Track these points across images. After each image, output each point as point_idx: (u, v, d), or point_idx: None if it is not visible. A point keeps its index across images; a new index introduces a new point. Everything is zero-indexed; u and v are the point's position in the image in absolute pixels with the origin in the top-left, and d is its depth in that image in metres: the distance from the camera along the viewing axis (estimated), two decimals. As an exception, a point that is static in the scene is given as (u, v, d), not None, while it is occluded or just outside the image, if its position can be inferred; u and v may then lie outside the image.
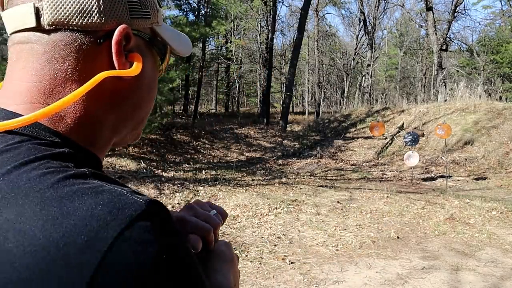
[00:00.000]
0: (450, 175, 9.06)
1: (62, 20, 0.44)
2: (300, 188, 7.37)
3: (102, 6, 0.45)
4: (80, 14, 0.44)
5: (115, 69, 0.46)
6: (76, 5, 0.44)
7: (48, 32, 0.44)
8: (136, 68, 0.47)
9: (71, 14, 0.44)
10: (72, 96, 0.43)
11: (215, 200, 6.17)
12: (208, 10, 17.27)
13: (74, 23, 0.44)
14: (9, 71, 0.47)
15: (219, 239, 0.65)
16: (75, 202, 0.35)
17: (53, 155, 0.40)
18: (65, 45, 0.44)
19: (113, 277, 0.33)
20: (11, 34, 0.46)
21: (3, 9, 0.46)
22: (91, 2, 0.44)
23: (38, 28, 0.44)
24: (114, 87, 0.48)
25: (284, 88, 20.65)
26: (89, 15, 0.44)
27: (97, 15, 0.45)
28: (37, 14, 0.43)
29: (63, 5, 0.43)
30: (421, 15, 25.69)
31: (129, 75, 0.46)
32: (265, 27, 21.95)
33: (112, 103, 0.48)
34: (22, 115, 0.42)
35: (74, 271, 0.32)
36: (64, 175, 0.38)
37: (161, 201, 5.03)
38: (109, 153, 8.66)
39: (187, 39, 0.60)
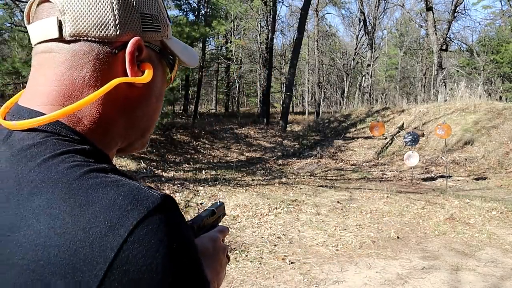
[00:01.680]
0: (450, 175, 9.06)
1: (82, 32, 0.49)
2: (300, 188, 7.37)
3: (118, 20, 0.50)
4: (98, 27, 0.49)
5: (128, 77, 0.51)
6: (95, 18, 0.49)
7: (68, 42, 0.49)
8: (147, 76, 0.52)
9: (90, 26, 0.49)
10: (89, 98, 0.48)
11: (215, 200, 6.16)
12: (208, 10, 17.27)
13: (93, 34, 0.49)
14: (32, 77, 0.52)
15: (205, 234, 0.69)
16: (99, 192, 0.40)
17: (77, 150, 0.45)
18: (83, 54, 0.49)
19: (132, 259, 0.37)
20: (35, 44, 0.51)
21: (29, 23, 0.52)
22: (108, 16, 0.49)
23: (60, 39, 0.49)
24: (127, 94, 0.52)
25: (284, 88, 20.66)
26: (106, 28, 0.49)
27: (113, 28, 0.50)
28: (60, 26, 0.48)
29: (83, 18, 0.49)
30: (421, 15, 25.70)
31: (140, 82, 0.51)
32: (265, 27, 21.95)
33: (125, 109, 0.53)
34: (44, 114, 0.47)
35: (98, 251, 0.37)
36: (89, 169, 0.42)
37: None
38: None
39: (194, 52, 0.65)
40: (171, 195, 6.26)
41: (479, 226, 5.28)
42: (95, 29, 0.49)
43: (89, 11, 0.48)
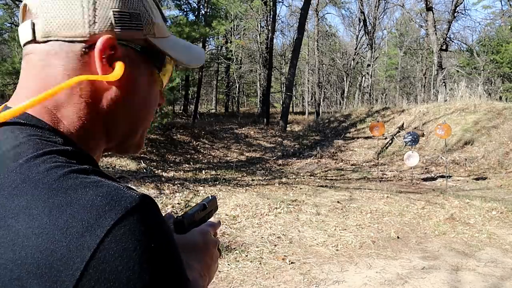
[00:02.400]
0: (450, 175, 9.06)
1: (51, 32, 0.50)
2: (300, 188, 7.37)
3: (87, 19, 0.50)
4: (67, 27, 0.50)
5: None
6: (64, 19, 0.50)
7: (41, 43, 0.51)
8: (115, 74, 0.51)
9: (59, 27, 0.50)
10: (50, 92, 0.48)
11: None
12: (208, 10, 17.27)
13: (62, 34, 0.50)
14: (20, 78, 0.55)
15: (196, 228, 0.70)
16: (78, 193, 0.40)
17: (59, 151, 0.45)
18: (55, 53, 0.51)
19: (109, 259, 0.38)
20: (23, 46, 0.54)
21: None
22: (77, 16, 0.50)
23: (34, 40, 0.51)
24: (104, 94, 0.53)
25: (284, 88, 20.66)
26: (75, 27, 0.50)
27: (82, 27, 0.50)
28: (33, 28, 0.51)
29: (53, 19, 0.50)
30: (421, 15, 25.70)
31: (106, 80, 0.51)
32: (265, 27, 21.98)
33: (103, 109, 0.53)
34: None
35: (75, 251, 0.37)
36: (69, 170, 0.42)
37: (161, 201, 5.00)
38: (110, 153, 8.66)
39: (198, 50, 0.63)
40: (171, 195, 6.29)
41: (479, 226, 5.28)
42: (64, 29, 0.50)
43: (59, 12, 0.50)
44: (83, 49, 0.50)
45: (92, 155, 0.52)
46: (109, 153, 0.61)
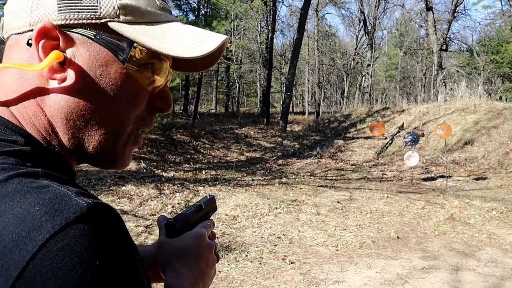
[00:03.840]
0: (450, 175, 9.06)
1: (9, 26, 0.48)
2: (300, 188, 7.37)
3: (30, 6, 0.45)
4: (16, 17, 0.46)
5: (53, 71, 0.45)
6: (14, 9, 0.47)
7: (6, 40, 0.49)
8: (41, 65, 0.44)
9: (12, 18, 0.47)
10: None
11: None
12: (208, 10, 17.28)
13: (13, 25, 0.47)
14: None
15: (189, 232, 0.64)
16: (15, 200, 0.35)
17: (12, 152, 0.40)
18: (11, 47, 0.47)
19: (40, 279, 0.32)
20: None
21: None
22: (22, 3, 0.46)
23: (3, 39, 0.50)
24: (52, 91, 0.46)
25: (284, 88, 20.66)
26: (19, 16, 0.46)
27: (27, 15, 0.45)
28: (2, 27, 0.49)
29: (8, 13, 0.47)
30: (421, 15, 25.71)
31: (27, 69, 0.45)
32: (265, 27, 21.99)
33: (53, 109, 0.46)
34: None
35: (1, 269, 0.32)
36: (15, 173, 0.37)
37: (161, 201, 4.98)
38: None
39: (199, 37, 0.50)
40: (171, 195, 6.29)
41: (479, 226, 5.28)
42: (14, 20, 0.46)
43: (12, 3, 0.47)
44: (28, 40, 0.45)
45: (64, 156, 0.47)
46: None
